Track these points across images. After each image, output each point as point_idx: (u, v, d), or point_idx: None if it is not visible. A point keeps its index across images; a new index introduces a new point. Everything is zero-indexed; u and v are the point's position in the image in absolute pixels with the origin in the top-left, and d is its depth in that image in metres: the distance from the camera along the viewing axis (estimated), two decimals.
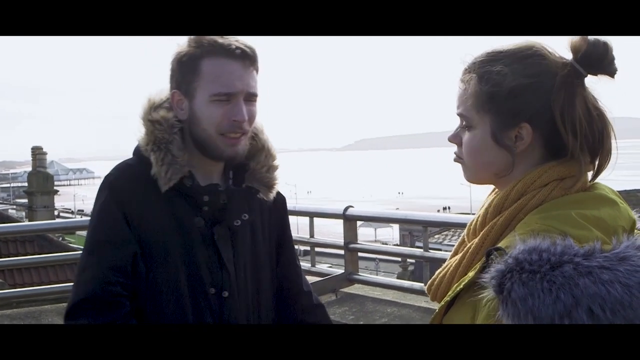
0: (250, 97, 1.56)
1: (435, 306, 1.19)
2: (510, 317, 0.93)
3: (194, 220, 1.57)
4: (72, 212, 57.15)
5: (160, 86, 1.64)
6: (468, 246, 1.16)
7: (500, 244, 1.06)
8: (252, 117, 1.57)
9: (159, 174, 1.54)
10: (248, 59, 1.54)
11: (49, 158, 23.77)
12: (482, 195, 1.28)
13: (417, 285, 4.43)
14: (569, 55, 1.12)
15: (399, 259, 23.63)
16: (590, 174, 1.15)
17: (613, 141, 1.14)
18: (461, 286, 1.07)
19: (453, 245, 1.27)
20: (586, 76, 1.11)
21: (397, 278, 14.09)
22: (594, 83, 1.13)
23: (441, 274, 1.20)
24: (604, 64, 1.10)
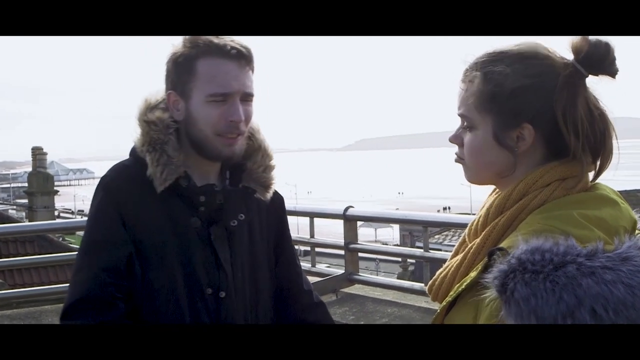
0: (247, 97, 1.56)
1: (436, 306, 1.19)
2: (513, 317, 0.94)
3: (190, 220, 1.57)
4: (73, 213, 57.19)
5: (159, 86, 1.64)
6: (469, 246, 1.16)
7: (503, 244, 1.06)
8: (248, 117, 1.57)
9: (155, 174, 1.54)
10: (244, 58, 1.54)
11: (49, 158, 23.76)
12: (482, 195, 1.28)
13: (418, 285, 4.44)
14: (569, 56, 1.12)
15: (399, 259, 23.61)
16: (591, 174, 1.15)
17: (614, 141, 1.14)
18: (463, 286, 1.07)
19: (453, 246, 1.27)
20: (587, 76, 1.11)
21: (398, 278, 14.08)
22: (594, 83, 1.13)
23: (442, 275, 1.20)
24: (605, 65, 1.10)
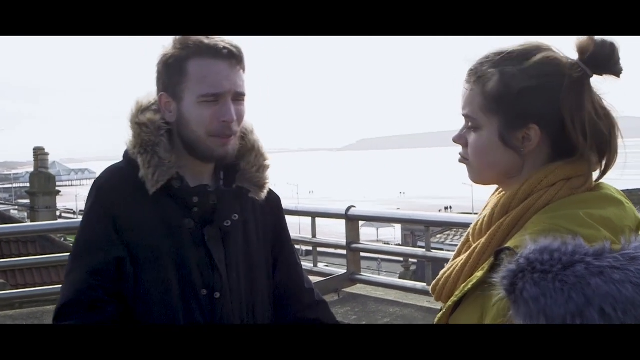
0: (238, 97, 1.55)
1: (438, 306, 1.18)
2: (522, 316, 0.93)
3: (183, 221, 1.56)
4: (74, 213, 57.25)
5: (153, 88, 1.63)
6: (474, 246, 1.16)
7: (509, 244, 1.06)
8: (240, 117, 1.56)
9: (147, 176, 1.54)
10: (234, 58, 1.53)
11: (50, 159, 23.78)
12: (484, 195, 1.28)
13: (420, 285, 4.44)
14: (574, 56, 1.12)
15: (401, 259, 23.61)
16: (595, 174, 1.14)
17: (620, 141, 1.13)
18: (469, 286, 1.07)
19: (455, 245, 1.27)
20: (592, 76, 1.11)
21: (399, 278, 14.10)
22: (599, 83, 1.12)
23: (446, 274, 1.20)
24: (610, 64, 1.10)
